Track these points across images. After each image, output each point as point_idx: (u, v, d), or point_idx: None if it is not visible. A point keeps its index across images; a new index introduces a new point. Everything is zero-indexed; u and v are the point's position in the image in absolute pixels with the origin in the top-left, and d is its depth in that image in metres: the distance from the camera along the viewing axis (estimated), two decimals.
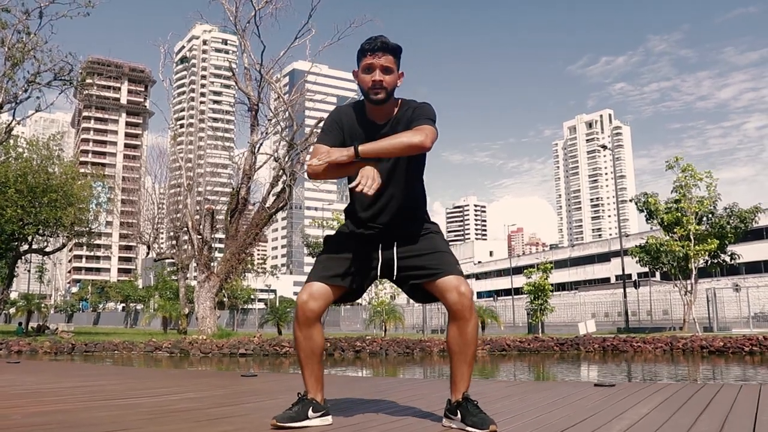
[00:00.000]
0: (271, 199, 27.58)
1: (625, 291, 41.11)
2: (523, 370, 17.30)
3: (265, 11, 27.82)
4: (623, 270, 43.70)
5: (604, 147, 59.85)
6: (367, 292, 39.17)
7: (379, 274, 3.50)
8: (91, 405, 4.38)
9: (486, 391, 5.41)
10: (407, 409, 4.16)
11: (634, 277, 57.78)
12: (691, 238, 31.69)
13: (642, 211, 34.90)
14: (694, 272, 32.44)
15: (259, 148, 27.87)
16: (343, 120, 3.50)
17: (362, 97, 3.50)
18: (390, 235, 3.46)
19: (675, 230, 32.20)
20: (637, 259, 35.72)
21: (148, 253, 53.65)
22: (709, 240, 31.69)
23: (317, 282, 3.37)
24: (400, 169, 3.45)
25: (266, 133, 28.57)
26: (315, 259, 3.63)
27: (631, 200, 37.41)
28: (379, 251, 3.46)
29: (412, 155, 3.36)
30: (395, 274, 3.46)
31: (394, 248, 3.44)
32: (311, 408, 3.40)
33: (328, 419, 3.48)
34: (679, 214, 31.99)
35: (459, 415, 3.30)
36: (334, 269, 3.40)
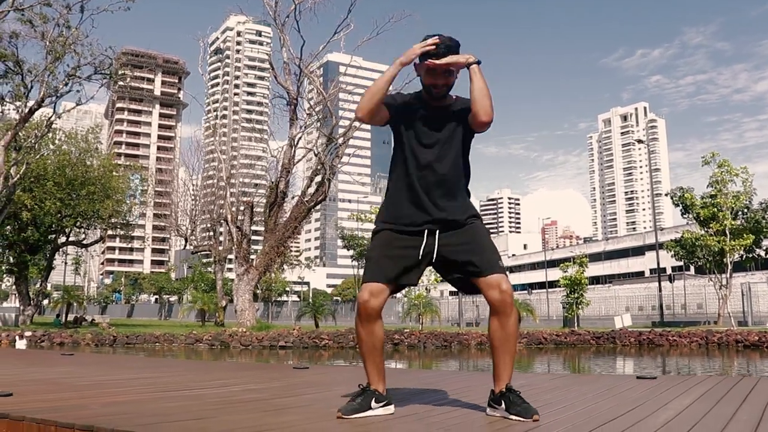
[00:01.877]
0: (310, 192, 27.75)
1: (660, 285, 40.52)
2: (563, 363, 17.44)
3: (304, 6, 27.84)
4: (658, 264, 43.11)
5: (639, 141, 59.34)
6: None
7: (427, 261, 3.64)
8: (158, 396, 4.53)
9: (532, 383, 5.57)
10: (461, 399, 4.29)
11: (669, 271, 57.19)
12: (727, 233, 31.54)
13: (678, 205, 34.70)
14: (729, 267, 32.27)
15: (297, 141, 28.00)
16: (398, 99, 3.76)
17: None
18: (434, 223, 3.63)
19: (711, 225, 32.03)
20: (672, 253, 35.49)
21: (185, 246, 54.07)
22: (744, 235, 31.54)
23: (374, 282, 3.56)
24: (450, 154, 3.69)
25: (305, 126, 28.73)
26: (367, 256, 3.77)
27: (666, 194, 37.19)
28: (424, 242, 3.60)
29: (463, 144, 3.73)
30: (440, 264, 3.65)
31: (434, 239, 3.61)
32: (374, 399, 3.57)
33: (391, 409, 3.63)
34: (716, 210, 31.83)
35: (503, 405, 3.47)
36: (388, 269, 3.58)
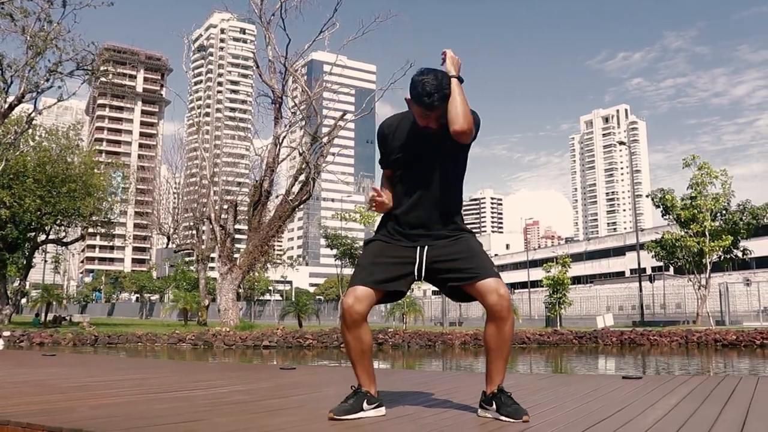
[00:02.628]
0: (294, 191, 27.63)
1: (641, 285, 40.86)
2: (548, 363, 17.49)
3: (290, 4, 27.80)
4: (639, 264, 43.35)
5: (621, 143, 59.98)
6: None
7: (416, 276, 3.65)
8: (147, 398, 4.49)
9: (519, 383, 5.56)
10: (452, 400, 4.30)
11: (649, 272, 57.58)
12: (707, 234, 31.80)
13: (658, 206, 34.96)
14: (708, 267, 32.56)
15: (282, 140, 27.89)
16: (388, 131, 3.77)
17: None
18: (426, 237, 3.63)
19: (691, 226, 32.27)
20: (653, 253, 35.74)
21: (167, 244, 53.78)
22: (723, 236, 31.83)
23: (361, 286, 3.54)
24: (441, 172, 3.66)
25: (289, 125, 28.66)
26: (356, 263, 3.76)
27: (647, 196, 37.39)
28: (416, 254, 3.61)
29: (454, 161, 3.70)
30: (433, 275, 3.63)
31: (425, 251, 3.61)
32: (366, 400, 3.56)
33: (382, 410, 3.63)
34: (696, 211, 32.08)
35: (494, 406, 3.49)
36: (375, 274, 3.57)
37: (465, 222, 3.83)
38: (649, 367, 15.65)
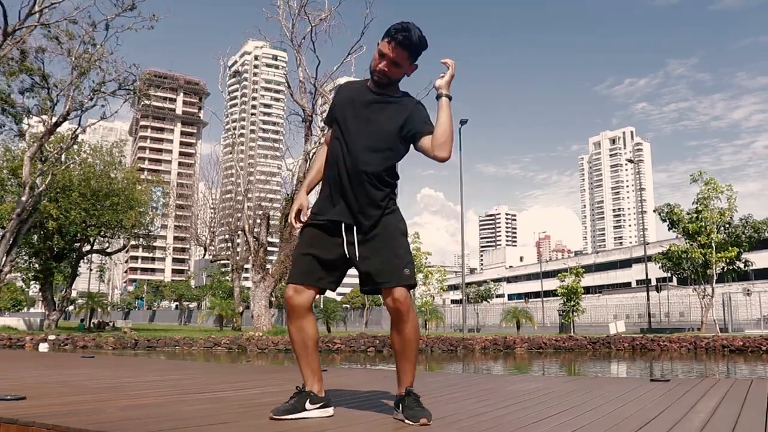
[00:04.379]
0: None
1: (648, 294, 40.76)
2: (568, 367, 17.02)
3: (320, 28, 27.78)
4: (647, 275, 43.33)
5: (630, 161, 59.72)
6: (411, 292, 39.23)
7: (344, 261, 3.30)
8: (179, 399, 4.19)
9: (547, 386, 5.28)
10: (489, 399, 4.11)
11: (654, 282, 57.28)
12: (713, 246, 31.45)
13: (665, 220, 34.71)
14: (715, 277, 32.28)
15: (312, 156, 27.74)
16: (341, 90, 3.49)
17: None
18: (352, 219, 3.26)
19: (698, 238, 31.92)
20: (660, 264, 35.60)
21: (204, 255, 53.85)
22: (729, 248, 31.51)
23: (294, 284, 3.27)
24: (388, 138, 3.32)
25: (319, 142, 28.45)
26: (293, 256, 3.43)
27: (655, 210, 37.17)
28: (343, 237, 3.25)
29: (400, 142, 3.33)
30: (355, 259, 3.26)
31: (354, 235, 3.25)
32: (308, 400, 3.25)
33: (329, 411, 3.32)
34: (702, 224, 31.76)
35: (401, 408, 3.23)
36: (307, 267, 3.26)
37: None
38: (668, 370, 15.09)
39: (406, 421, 3.13)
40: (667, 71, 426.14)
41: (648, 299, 40.33)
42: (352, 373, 8.18)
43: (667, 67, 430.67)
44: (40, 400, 3.85)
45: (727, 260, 32.21)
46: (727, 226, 32.65)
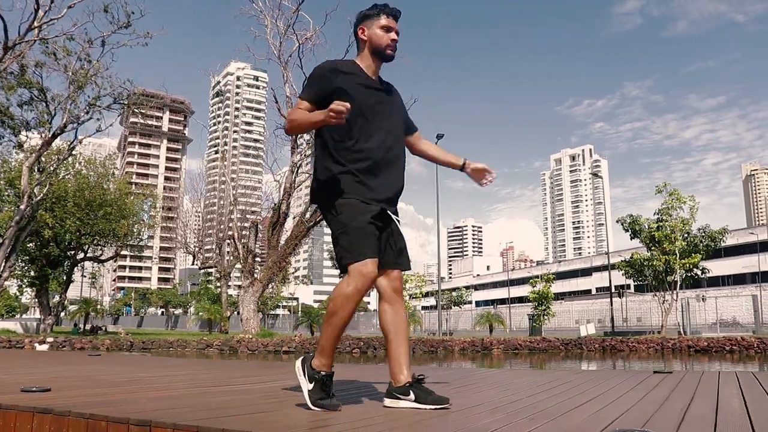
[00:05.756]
0: (309, 213, 27.21)
1: (611, 300, 40.88)
2: (556, 364, 16.84)
3: (306, 46, 27.70)
4: (610, 282, 43.45)
5: (595, 175, 60.35)
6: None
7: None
8: (204, 391, 3.88)
9: (560, 378, 5.08)
10: (510, 389, 3.97)
11: (613, 290, 57.74)
12: (677, 253, 31.57)
13: (627, 230, 34.77)
14: (679, 282, 32.38)
15: (299, 168, 27.49)
16: (340, 70, 3.13)
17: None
18: (392, 201, 3.13)
19: (664, 245, 31.95)
20: (623, 272, 35.60)
21: (193, 262, 53.24)
22: (693, 255, 31.62)
23: (374, 258, 2.93)
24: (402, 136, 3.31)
25: (305, 154, 28.21)
26: (348, 227, 2.96)
27: (618, 221, 37.17)
28: (388, 214, 3.10)
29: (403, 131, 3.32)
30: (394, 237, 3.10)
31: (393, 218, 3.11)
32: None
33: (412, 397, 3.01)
34: (668, 232, 31.90)
35: (413, 395, 2.97)
36: (375, 241, 2.97)
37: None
38: (649, 367, 14.93)
39: (430, 406, 2.93)
40: (624, 93, 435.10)
41: (611, 304, 40.45)
42: (370, 369, 7.93)
43: (623, 89, 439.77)
44: (66, 392, 3.57)
45: (688, 267, 32.32)
46: (686, 235, 32.80)
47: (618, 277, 41.38)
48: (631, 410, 3.00)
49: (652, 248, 32.79)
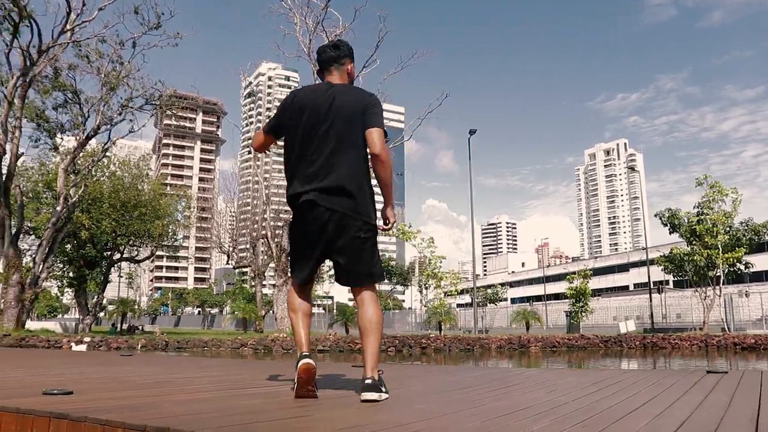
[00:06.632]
0: None
1: (650, 296, 40.11)
2: (597, 362, 16.44)
3: None
4: (649, 277, 42.75)
5: (631, 169, 59.83)
6: (423, 294, 39.08)
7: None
8: (233, 393, 3.69)
9: (607, 378, 4.78)
10: (559, 389, 3.81)
11: (651, 285, 56.88)
12: (719, 247, 30.76)
13: (666, 224, 34.02)
14: (722, 278, 31.56)
15: None
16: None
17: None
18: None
19: (706, 239, 31.11)
20: (662, 267, 34.87)
21: (227, 261, 53.64)
22: (736, 249, 30.79)
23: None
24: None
25: None
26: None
27: (656, 215, 36.43)
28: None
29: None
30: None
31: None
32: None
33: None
34: (710, 225, 31.10)
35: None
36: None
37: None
38: (696, 365, 14.45)
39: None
40: (658, 86, 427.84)
41: (650, 300, 39.65)
42: (405, 368, 7.71)
43: (658, 82, 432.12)
44: (88, 395, 3.41)
45: (731, 262, 31.46)
46: (729, 228, 31.99)
47: (657, 273, 40.63)
48: (695, 416, 2.73)
49: (693, 242, 32.04)
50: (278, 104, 3.30)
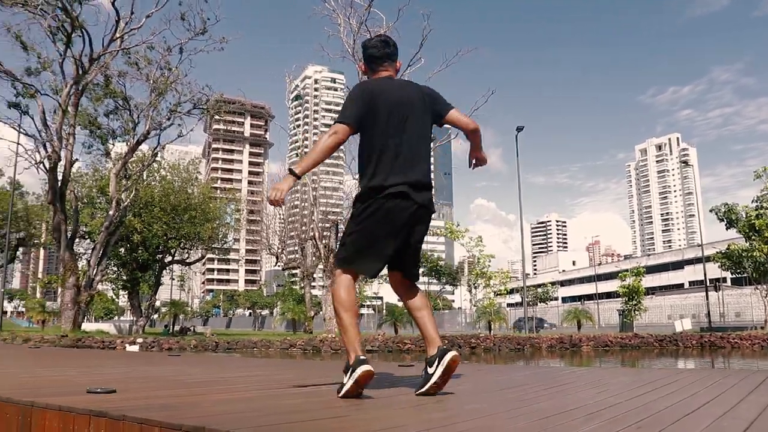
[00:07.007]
0: None
1: (707, 294, 39.02)
2: (652, 362, 16.02)
3: None
4: (705, 275, 41.54)
5: (685, 163, 57.87)
6: (473, 294, 38.80)
7: None
8: (274, 393, 3.67)
9: (664, 377, 4.59)
10: (609, 389, 3.70)
11: (707, 283, 55.45)
12: None
13: (722, 220, 33.04)
14: None
15: None
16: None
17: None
18: None
19: (766, 234, 30.05)
20: (719, 264, 33.87)
21: (275, 263, 54.07)
22: None
23: None
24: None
25: None
26: None
27: (711, 210, 35.43)
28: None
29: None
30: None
31: None
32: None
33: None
34: None
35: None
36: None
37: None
38: (759, 366, 13.92)
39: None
40: (712, 78, 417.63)
41: (707, 298, 38.57)
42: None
43: (711, 74, 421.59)
44: (130, 394, 3.46)
45: None
46: None
47: (713, 270, 39.53)
48: (761, 419, 2.54)
49: (752, 238, 31.02)
50: (350, 95, 3.28)
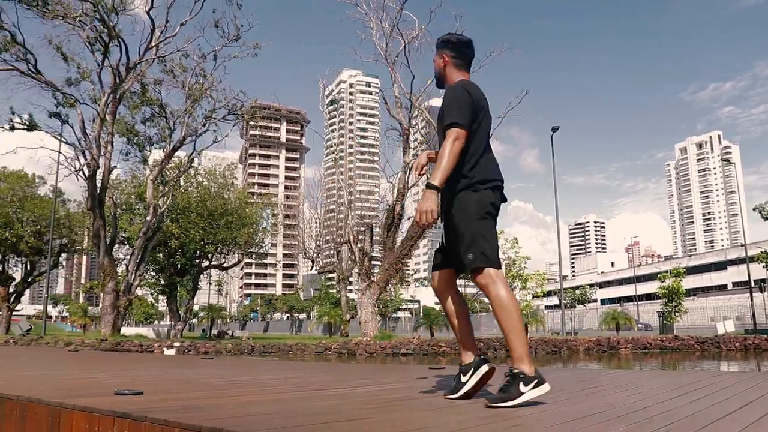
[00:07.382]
0: None
1: (751, 295, 38.16)
2: (692, 365, 15.71)
3: (412, 45, 27.33)
4: (749, 275, 40.59)
5: (726, 161, 57.29)
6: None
7: None
8: (301, 395, 3.73)
9: (700, 380, 4.52)
10: (641, 391, 3.64)
11: (752, 284, 54.23)
12: None
13: (767, 218, 32.41)
14: None
15: (411, 167, 27.33)
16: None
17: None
18: None
19: None
20: (763, 264, 33.23)
21: (312, 267, 54.31)
22: None
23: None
24: None
25: (417, 154, 28.00)
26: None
27: (755, 209, 34.78)
28: None
29: None
30: None
31: None
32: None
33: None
34: None
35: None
36: None
37: None
38: None
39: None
40: (755, 73, 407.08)
41: (752, 300, 37.70)
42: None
43: (755, 69, 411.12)
44: (157, 395, 3.58)
45: None
46: None
47: (758, 270, 38.63)
48: None
49: None
50: (460, 100, 3.37)
